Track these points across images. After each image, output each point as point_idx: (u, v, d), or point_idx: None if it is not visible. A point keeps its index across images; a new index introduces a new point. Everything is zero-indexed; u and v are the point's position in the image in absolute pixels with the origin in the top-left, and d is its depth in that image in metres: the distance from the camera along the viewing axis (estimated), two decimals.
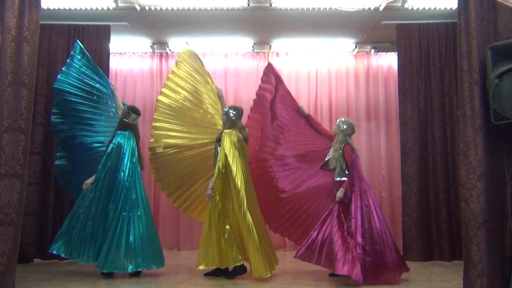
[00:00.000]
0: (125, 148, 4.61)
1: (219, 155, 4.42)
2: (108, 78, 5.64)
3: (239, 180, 4.29)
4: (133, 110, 4.80)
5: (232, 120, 4.59)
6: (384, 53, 6.65)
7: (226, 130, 4.52)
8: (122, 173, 4.54)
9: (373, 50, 6.55)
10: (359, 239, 4.16)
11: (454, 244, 5.29)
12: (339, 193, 4.38)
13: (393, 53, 6.42)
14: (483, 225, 3.41)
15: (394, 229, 6.08)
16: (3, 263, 3.37)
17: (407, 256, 5.23)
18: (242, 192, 4.26)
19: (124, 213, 4.43)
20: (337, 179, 4.53)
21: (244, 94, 6.61)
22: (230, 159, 4.34)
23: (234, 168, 4.31)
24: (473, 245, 3.41)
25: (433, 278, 4.41)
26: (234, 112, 4.62)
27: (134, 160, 4.64)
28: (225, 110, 4.67)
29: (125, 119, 4.72)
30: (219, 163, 4.35)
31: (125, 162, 4.57)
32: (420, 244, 5.29)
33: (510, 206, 3.51)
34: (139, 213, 4.49)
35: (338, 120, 4.76)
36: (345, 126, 4.62)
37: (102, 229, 4.45)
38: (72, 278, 4.40)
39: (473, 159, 3.49)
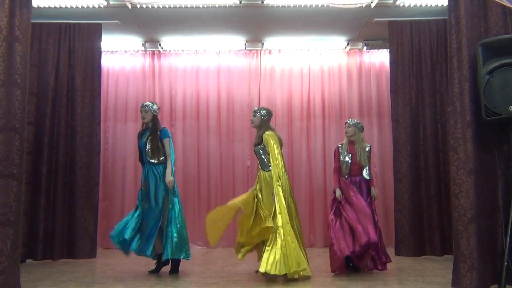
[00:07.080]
0: None
1: (272, 160, 4.33)
2: (100, 76, 5.62)
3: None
4: None
5: (265, 121, 4.56)
6: (376, 50, 6.67)
7: (267, 132, 4.45)
8: None
9: (365, 47, 6.57)
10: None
11: (445, 239, 5.33)
12: (375, 192, 4.72)
13: (385, 50, 6.44)
14: (472, 220, 3.44)
15: (387, 225, 6.12)
16: (2, 262, 3.36)
17: (400, 251, 5.30)
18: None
19: None
20: (368, 177, 4.68)
21: (237, 92, 6.62)
22: (280, 162, 4.35)
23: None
24: (463, 240, 3.44)
25: (426, 273, 4.45)
26: (264, 112, 4.59)
27: None
28: (256, 111, 4.63)
29: None
30: (278, 169, 4.30)
31: None
32: (412, 239, 5.31)
33: (502, 201, 3.55)
34: None
35: (351, 121, 4.83)
36: (359, 125, 4.80)
37: None
38: (65, 277, 4.38)
39: (463, 155, 3.51)
